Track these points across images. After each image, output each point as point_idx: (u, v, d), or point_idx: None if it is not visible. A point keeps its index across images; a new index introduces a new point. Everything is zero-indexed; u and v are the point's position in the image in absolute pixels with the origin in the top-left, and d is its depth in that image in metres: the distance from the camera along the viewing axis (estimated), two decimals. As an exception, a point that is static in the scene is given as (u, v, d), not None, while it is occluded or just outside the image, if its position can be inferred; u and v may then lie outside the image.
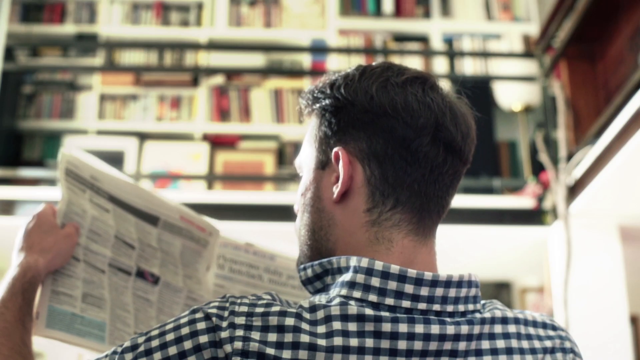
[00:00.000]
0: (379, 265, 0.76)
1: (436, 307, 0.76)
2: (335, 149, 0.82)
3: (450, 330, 0.75)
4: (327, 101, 0.83)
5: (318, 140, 0.85)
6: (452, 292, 0.77)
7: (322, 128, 0.84)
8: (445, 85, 0.85)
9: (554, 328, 0.84)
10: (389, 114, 0.80)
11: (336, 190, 0.82)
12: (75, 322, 1.04)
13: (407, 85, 0.81)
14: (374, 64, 0.85)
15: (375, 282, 0.76)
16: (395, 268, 0.76)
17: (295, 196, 0.89)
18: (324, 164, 0.84)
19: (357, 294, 0.76)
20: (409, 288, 0.76)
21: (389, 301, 0.75)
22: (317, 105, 0.85)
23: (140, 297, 1.15)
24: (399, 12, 4.16)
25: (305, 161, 0.87)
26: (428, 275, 0.76)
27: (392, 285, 0.76)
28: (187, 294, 1.19)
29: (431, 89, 0.82)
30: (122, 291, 1.12)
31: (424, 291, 0.76)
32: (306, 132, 0.88)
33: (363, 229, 0.81)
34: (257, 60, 4.12)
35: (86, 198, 1.13)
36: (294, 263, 1.18)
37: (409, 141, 0.80)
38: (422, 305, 0.76)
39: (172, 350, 0.73)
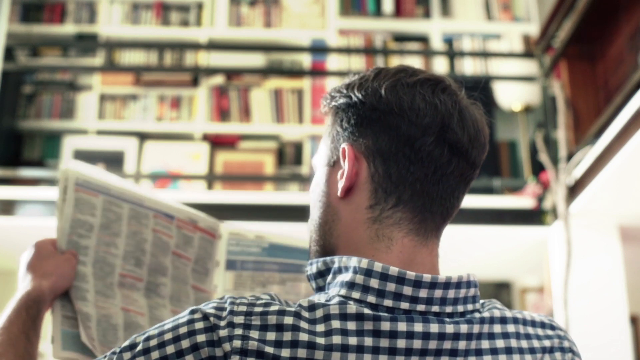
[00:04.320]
0: (378, 266, 0.76)
1: (435, 308, 0.76)
2: (342, 146, 0.84)
3: (450, 329, 0.75)
4: (341, 100, 0.85)
5: (330, 138, 0.87)
6: (451, 294, 0.78)
7: (335, 126, 0.86)
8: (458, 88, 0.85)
9: (553, 327, 0.84)
10: (395, 112, 0.81)
11: (340, 185, 0.83)
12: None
13: (417, 85, 0.82)
14: (392, 66, 0.87)
15: (374, 283, 0.76)
16: (394, 270, 0.76)
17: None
18: (333, 161, 0.85)
19: (356, 294, 0.76)
20: (407, 290, 0.76)
21: (388, 302, 0.75)
22: (333, 104, 0.87)
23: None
24: (399, 12, 4.16)
25: (319, 159, 0.89)
26: (427, 277, 0.77)
27: (391, 287, 0.76)
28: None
29: (442, 91, 0.83)
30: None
31: (423, 293, 0.76)
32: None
33: (365, 225, 0.82)
34: (257, 60, 4.11)
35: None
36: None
37: (413, 140, 0.80)
38: (420, 307, 0.76)
39: (170, 349, 0.74)
